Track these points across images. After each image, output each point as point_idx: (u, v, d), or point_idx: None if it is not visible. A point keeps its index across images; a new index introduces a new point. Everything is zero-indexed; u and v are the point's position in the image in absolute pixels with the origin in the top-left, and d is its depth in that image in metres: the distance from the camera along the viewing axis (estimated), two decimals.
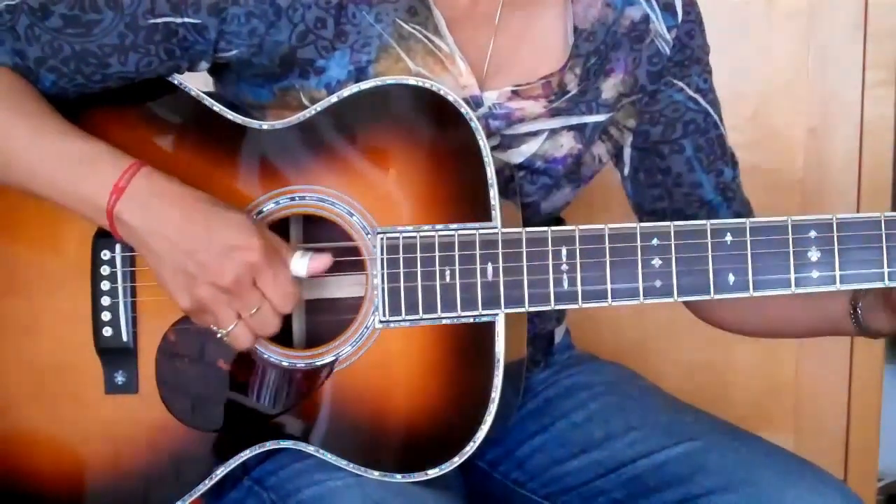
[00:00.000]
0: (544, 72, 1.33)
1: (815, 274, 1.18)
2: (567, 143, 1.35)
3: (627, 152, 1.43)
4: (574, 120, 1.34)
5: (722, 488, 1.28)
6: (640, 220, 1.46)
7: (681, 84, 1.38)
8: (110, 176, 1.19)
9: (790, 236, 1.18)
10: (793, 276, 1.18)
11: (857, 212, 1.93)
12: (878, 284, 1.18)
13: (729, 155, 1.44)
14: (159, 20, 1.23)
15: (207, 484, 1.27)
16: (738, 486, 1.27)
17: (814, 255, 1.18)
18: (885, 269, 1.17)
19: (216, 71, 1.34)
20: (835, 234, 1.18)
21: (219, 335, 1.21)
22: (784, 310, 1.38)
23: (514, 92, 1.32)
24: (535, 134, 1.33)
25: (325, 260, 1.21)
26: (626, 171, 1.44)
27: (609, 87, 1.35)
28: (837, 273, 1.18)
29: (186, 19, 1.23)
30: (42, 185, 1.21)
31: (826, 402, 2.07)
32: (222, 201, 1.21)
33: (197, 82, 1.32)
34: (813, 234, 1.18)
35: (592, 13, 1.33)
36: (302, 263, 1.21)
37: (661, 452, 1.34)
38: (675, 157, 1.41)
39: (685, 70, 1.38)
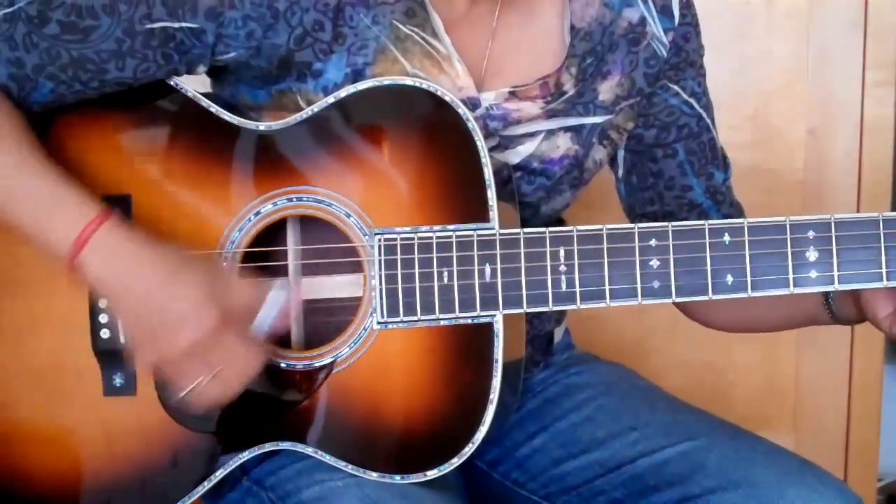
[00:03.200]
0: (541, 72, 1.32)
1: (813, 274, 1.17)
2: (564, 144, 1.34)
3: (621, 154, 1.42)
4: (571, 121, 1.33)
5: (721, 488, 1.27)
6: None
7: (676, 88, 1.37)
8: (74, 227, 1.17)
9: (788, 236, 1.17)
10: (791, 276, 1.17)
11: (858, 212, 1.91)
12: (877, 285, 1.17)
13: (720, 158, 1.43)
14: (156, 25, 1.21)
15: (206, 486, 1.26)
16: (738, 485, 1.26)
17: (812, 255, 1.17)
18: (884, 269, 1.16)
19: (213, 72, 1.33)
20: (833, 233, 1.17)
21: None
22: (768, 307, 1.36)
23: (511, 93, 1.31)
24: (531, 135, 1.32)
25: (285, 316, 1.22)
26: (620, 173, 1.43)
27: (606, 90, 1.34)
28: (836, 273, 1.17)
29: (184, 24, 1.22)
30: (11, 222, 1.19)
31: (826, 402, 2.06)
32: (189, 252, 1.20)
33: (195, 83, 1.31)
34: (811, 234, 1.17)
35: (590, 12, 1.32)
36: (274, 305, 1.21)
37: (660, 452, 1.33)
38: (668, 161, 1.40)
39: (680, 73, 1.37)
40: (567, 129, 1.33)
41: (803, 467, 1.28)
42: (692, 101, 1.38)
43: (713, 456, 1.30)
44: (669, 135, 1.39)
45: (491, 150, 1.24)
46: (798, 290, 1.17)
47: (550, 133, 1.33)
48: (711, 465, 1.29)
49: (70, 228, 1.17)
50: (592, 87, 1.33)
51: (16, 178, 1.18)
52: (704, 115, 1.40)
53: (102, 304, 1.26)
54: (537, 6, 1.33)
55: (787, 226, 1.17)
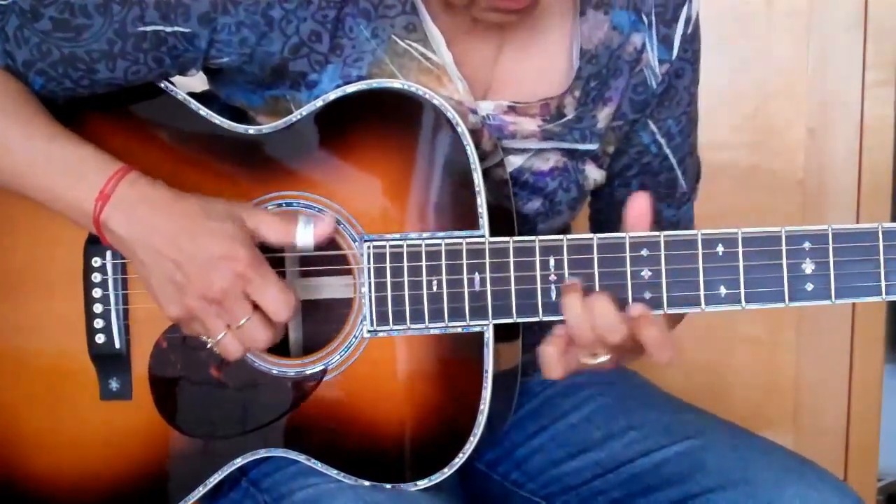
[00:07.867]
0: (546, 94, 1.26)
1: (809, 287, 1.11)
2: (553, 158, 1.28)
3: None
4: (565, 145, 1.28)
5: (721, 487, 1.23)
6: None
7: (653, 127, 1.31)
8: (96, 182, 1.14)
9: (783, 247, 1.11)
10: (786, 288, 1.11)
11: (857, 212, 1.93)
12: (875, 299, 1.10)
13: (677, 196, 1.38)
14: (149, 28, 1.17)
15: (201, 490, 1.23)
16: (737, 484, 1.22)
17: (808, 267, 1.10)
18: (883, 283, 1.10)
19: (209, 72, 1.28)
20: (830, 245, 1.10)
21: (208, 345, 1.16)
22: None
23: (510, 107, 1.25)
24: (523, 150, 1.26)
25: (328, 224, 1.15)
26: None
27: (604, 117, 1.28)
28: (832, 286, 1.10)
29: (176, 28, 1.17)
30: (31, 189, 1.17)
31: (826, 402, 2.04)
32: (212, 199, 1.16)
33: (195, 81, 1.27)
34: (807, 245, 1.10)
35: (598, 35, 1.26)
36: (307, 233, 1.15)
37: (660, 451, 1.29)
38: (621, 190, 1.35)
39: (663, 112, 1.31)
40: (559, 149, 1.28)
41: (803, 466, 1.24)
42: (662, 140, 1.32)
43: (712, 455, 1.26)
44: (631, 169, 1.34)
45: (495, 165, 1.20)
46: (794, 304, 1.11)
47: (542, 150, 1.27)
48: (711, 464, 1.25)
49: (93, 184, 1.14)
50: (592, 113, 1.28)
51: (27, 144, 1.16)
52: (670, 155, 1.34)
53: (98, 308, 1.23)
54: (543, 24, 1.27)
55: (783, 237, 1.11)
